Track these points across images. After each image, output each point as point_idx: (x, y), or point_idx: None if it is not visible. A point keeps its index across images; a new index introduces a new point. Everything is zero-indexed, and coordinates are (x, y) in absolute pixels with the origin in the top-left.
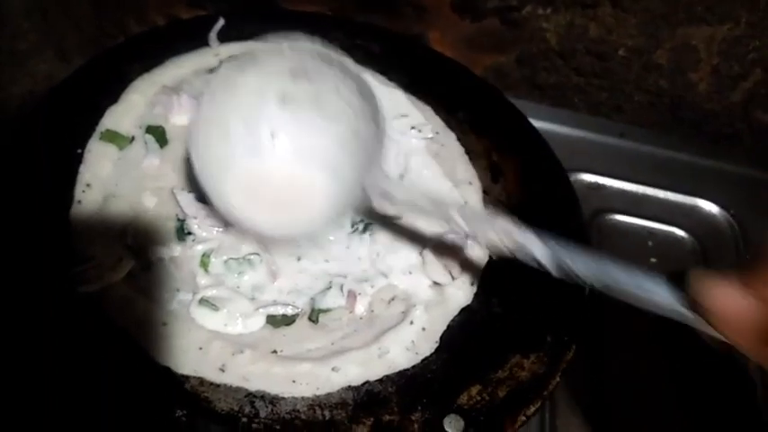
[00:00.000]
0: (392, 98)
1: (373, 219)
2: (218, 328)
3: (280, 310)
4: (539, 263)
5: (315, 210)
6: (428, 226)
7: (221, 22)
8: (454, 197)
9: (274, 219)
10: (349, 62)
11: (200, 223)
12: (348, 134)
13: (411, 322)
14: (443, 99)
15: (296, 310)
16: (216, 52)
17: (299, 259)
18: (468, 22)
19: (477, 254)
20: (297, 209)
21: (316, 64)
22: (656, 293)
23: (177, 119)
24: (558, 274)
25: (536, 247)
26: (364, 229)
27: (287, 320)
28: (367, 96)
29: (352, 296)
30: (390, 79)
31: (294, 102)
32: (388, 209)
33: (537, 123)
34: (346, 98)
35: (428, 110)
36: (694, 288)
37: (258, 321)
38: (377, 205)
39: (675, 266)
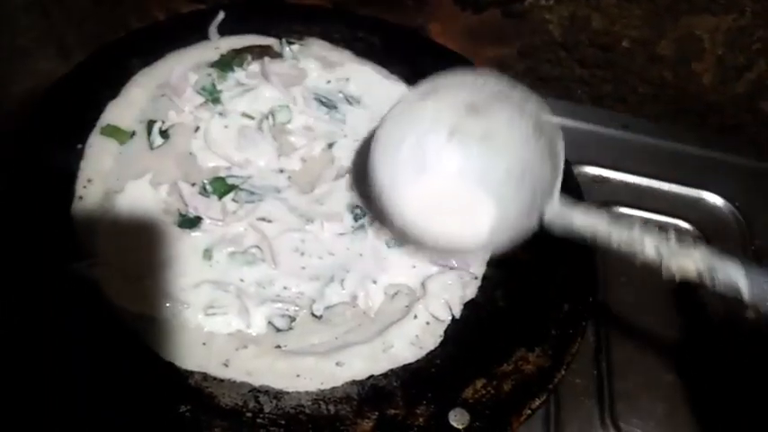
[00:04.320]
0: (394, 91)
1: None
2: (220, 326)
3: (281, 310)
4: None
5: (478, 227)
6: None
7: (221, 15)
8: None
9: (444, 231)
10: (528, 97)
11: (202, 216)
12: (516, 168)
13: (415, 316)
14: None
15: (297, 310)
16: (216, 45)
17: (302, 254)
18: (470, 14)
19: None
20: (462, 223)
21: (492, 99)
22: None
23: (178, 113)
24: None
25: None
26: (368, 225)
27: (287, 323)
28: (546, 132)
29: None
30: (392, 72)
31: (463, 135)
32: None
33: None
34: (518, 134)
35: None
36: None
37: (259, 319)
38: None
39: None
